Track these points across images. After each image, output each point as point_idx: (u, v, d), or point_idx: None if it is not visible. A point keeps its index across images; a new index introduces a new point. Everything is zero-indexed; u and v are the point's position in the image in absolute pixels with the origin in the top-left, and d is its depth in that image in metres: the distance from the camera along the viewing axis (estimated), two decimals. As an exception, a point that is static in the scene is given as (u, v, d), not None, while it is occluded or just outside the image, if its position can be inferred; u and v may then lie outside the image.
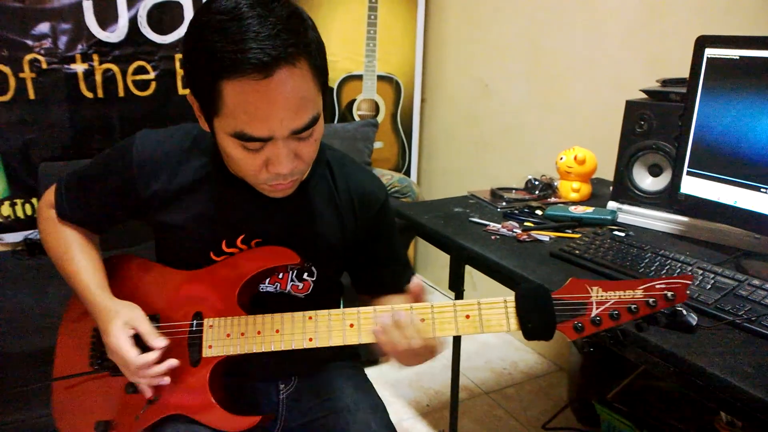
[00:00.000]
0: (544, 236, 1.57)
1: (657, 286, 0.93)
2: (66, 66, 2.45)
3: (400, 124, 3.32)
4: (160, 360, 1.08)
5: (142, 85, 2.62)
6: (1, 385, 1.91)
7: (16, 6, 2.34)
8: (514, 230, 1.60)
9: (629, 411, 1.86)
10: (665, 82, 1.69)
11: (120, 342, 1.07)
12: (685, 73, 1.46)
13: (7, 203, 2.50)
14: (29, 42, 2.38)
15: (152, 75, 2.63)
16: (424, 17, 3.21)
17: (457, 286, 1.66)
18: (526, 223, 1.66)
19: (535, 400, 2.50)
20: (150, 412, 1.13)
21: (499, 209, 1.79)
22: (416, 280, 1.04)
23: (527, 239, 1.55)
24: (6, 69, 2.35)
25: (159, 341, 1.09)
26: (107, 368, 1.18)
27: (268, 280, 1.20)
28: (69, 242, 1.21)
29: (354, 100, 3.18)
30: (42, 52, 2.40)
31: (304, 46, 0.92)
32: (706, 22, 1.93)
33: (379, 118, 3.23)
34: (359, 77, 3.16)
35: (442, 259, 1.61)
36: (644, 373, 1.97)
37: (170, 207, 1.15)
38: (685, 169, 1.46)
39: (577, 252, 1.41)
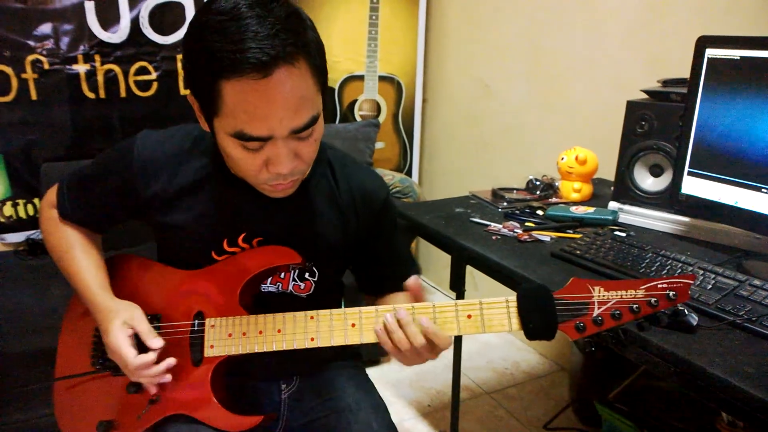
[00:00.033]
0: (545, 236, 1.57)
1: (659, 286, 0.93)
2: (68, 66, 2.46)
3: (401, 125, 3.32)
4: (159, 360, 1.08)
5: (144, 85, 2.62)
6: (3, 385, 1.92)
7: (18, 7, 2.34)
8: (515, 230, 1.60)
9: (630, 411, 1.86)
10: (666, 83, 1.70)
11: (119, 341, 1.07)
12: (685, 73, 1.46)
13: (9, 203, 2.51)
14: (31, 43, 2.38)
15: (154, 75, 2.63)
16: (425, 17, 3.21)
17: (458, 287, 1.66)
18: (527, 224, 1.66)
19: (537, 400, 2.50)
20: (152, 411, 1.13)
21: (500, 209, 1.79)
22: (413, 278, 1.04)
23: (528, 239, 1.55)
24: (8, 69, 2.36)
25: (156, 341, 1.09)
26: (109, 368, 1.18)
27: (269, 280, 1.20)
28: (70, 242, 1.21)
29: (355, 101, 3.18)
30: (44, 52, 2.41)
31: (303, 45, 0.92)
32: (706, 22, 1.93)
33: (381, 119, 3.24)
34: (361, 77, 3.16)
35: (444, 260, 1.61)
36: (645, 373, 1.97)
37: (171, 207, 1.15)
38: (686, 169, 1.46)
39: (578, 252, 1.41)
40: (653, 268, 1.29)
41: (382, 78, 3.20)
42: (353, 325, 1.06)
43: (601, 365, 2.09)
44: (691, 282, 0.94)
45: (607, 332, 0.98)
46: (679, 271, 1.27)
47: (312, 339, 1.07)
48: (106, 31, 2.49)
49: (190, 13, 2.61)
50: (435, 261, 3.51)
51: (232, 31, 0.89)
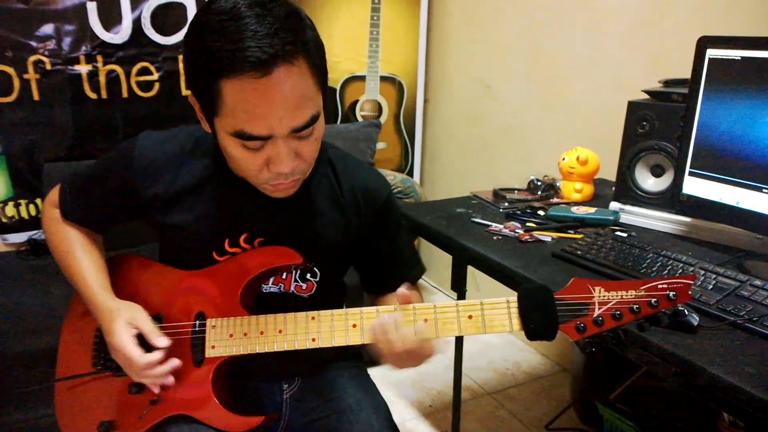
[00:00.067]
0: (546, 237, 1.57)
1: (659, 286, 0.93)
2: (70, 67, 2.46)
3: (402, 125, 3.32)
4: (164, 359, 1.09)
5: (146, 86, 2.63)
6: (3, 385, 1.92)
7: (21, 7, 2.35)
8: (517, 231, 1.60)
9: (632, 411, 1.86)
10: (667, 83, 1.70)
11: (123, 341, 1.08)
12: (685, 73, 1.46)
13: (11, 204, 2.51)
14: (33, 43, 2.39)
15: (156, 76, 2.64)
16: (426, 18, 3.21)
17: (459, 287, 1.66)
18: (528, 224, 1.66)
19: (538, 401, 2.50)
20: (153, 412, 1.13)
21: (501, 210, 1.79)
22: (402, 289, 1.03)
23: (529, 240, 1.55)
24: (10, 70, 2.36)
25: (162, 340, 1.09)
26: (110, 368, 1.18)
27: (271, 281, 1.20)
28: (72, 242, 1.22)
29: (357, 101, 3.19)
30: (46, 53, 2.41)
31: (302, 44, 0.93)
32: (706, 22, 1.93)
33: (382, 119, 3.24)
34: (362, 78, 3.16)
35: (445, 260, 1.62)
36: (647, 373, 1.96)
37: (172, 208, 1.15)
38: (687, 169, 1.46)
39: (579, 252, 1.41)
40: (654, 269, 1.30)
41: (383, 78, 3.20)
42: (354, 325, 1.06)
43: (602, 366, 2.09)
44: (691, 282, 0.94)
45: (608, 332, 0.98)
46: (681, 271, 1.27)
47: (313, 339, 1.08)
48: (108, 32, 2.49)
49: (191, 13, 2.62)
50: (436, 261, 3.50)
51: (231, 31, 0.89)
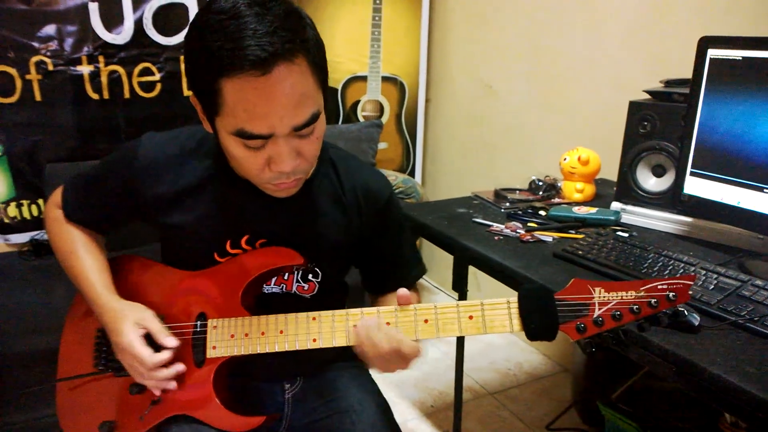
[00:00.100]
0: (548, 237, 1.57)
1: (659, 287, 0.94)
2: (72, 68, 2.46)
3: (404, 125, 3.32)
4: (171, 360, 1.09)
5: (148, 86, 2.63)
6: (5, 385, 1.93)
7: (23, 8, 2.35)
8: (518, 231, 1.60)
9: (633, 412, 1.85)
10: (668, 83, 1.70)
11: (132, 341, 1.08)
12: (685, 73, 1.46)
13: (13, 204, 2.51)
14: (35, 44, 2.39)
15: (157, 76, 2.64)
16: (428, 18, 3.21)
17: (460, 287, 1.66)
18: (529, 224, 1.66)
19: (539, 401, 2.50)
20: (154, 412, 1.14)
21: (502, 210, 1.79)
22: (402, 290, 1.04)
23: (530, 240, 1.55)
24: (12, 71, 2.37)
25: (171, 340, 1.10)
26: (111, 369, 1.18)
27: (273, 281, 1.20)
28: (75, 243, 1.22)
29: (358, 101, 3.19)
30: (48, 54, 2.41)
31: (302, 42, 0.93)
32: (706, 22, 1.93)
33: (384, 119, 3.24)
34: (364, 78, 3.16)
35: (446, 260, 1.62)
36: (648, 373, 1.96)
37: (175, 208, 1.16)
38: (689, 169, 1.46)
39: (580, 252, 1.41)
40: (655, 269, 1.30)
41: (385, 78, 3.20)
42: (355, 326, 1.06)
43: (603, 366, 2.09)
44: (691, 283, 0.94)
45: (608, 333, 0.98)
46: (682, 271, 1.27)
47: (314, 340, 1.08)
48: (109, 33, 2.50)
49: (193, 14, 2.61)
50: (438, 261, 3.50)
51: (231, 30, 0.89)
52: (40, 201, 2.55)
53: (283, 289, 1.21)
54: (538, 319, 0.98)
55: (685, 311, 1.03)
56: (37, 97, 2.43)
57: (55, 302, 2.08)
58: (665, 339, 1.06)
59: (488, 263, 1.47)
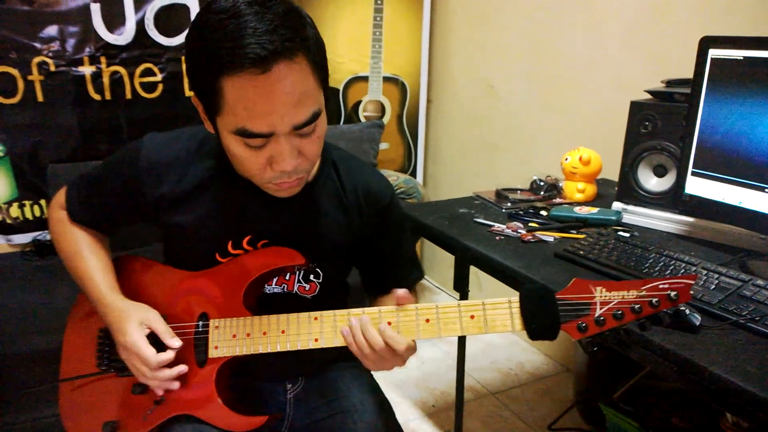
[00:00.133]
0: (549, 237, 1.57)
1: (660, 286, 0.94)
2: (74, 68, 2.47)
3: (405, 126, 3.32)
4: (174, 360, 1.10)
5: (149, 87, 2.63)
6: (8, 385, 1.93)
7: (25, 9, 2.35)
8: (519, 231, 1.60)
9: (634, 411, 1.86)
10: (670, 83, 1.70)
11: (136, 340, 1.08)
12: (685, 72, 1.46)
13: (15, 205, 2.52)
14: (37, 45, 2.39)
15: (159, 77, 2.64)
16: (429, 18, 3.21)
17: (461, 287, 1.66)
18: (530, 224, 1.66)
19: (541, 401, 2.50)
20: (157, 412, 1.14)
21: (504, 210, 1.79)
22: (401, 292, 1.05)
23: (532, 240, 1.55)
24: (14, 71, 2.37)
25: (175, 341, 1.10)
26: (114, 369, 1.19)
27: (275, 281, 1.20)
28: (79, 243, 1.22)
29: (360, 102, 3.19)
30: (50, 54, 2.42)
31: (302, 40, 0.93)
32: (706, 22, 1.93)
33: (385, 120, 3.24)
34: (365, 78, 3.17)
35: (448, 260, 1.62)
36: (650, 373, 1.96)
37: (177, 209, 1.16)
38: (690, 169, 1.46)
39: (581, 252, 1.41)
40: (657, 269, 1.30)
41: (386, 79, 3.20)
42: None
43: (605, 366, 2.09)
44: (692, 282, 0.94)
45: (609, 332, 0.98)
46: (683, 271, 1.28)
47: (316, 340, 1.08)
48: (111, 33, 2.50)
49: (194, 14, 2.60)
50: (439, 261, 3.51)
51: (231, 29, 0.90)
52: (42, 201, 2.56)
53: (285, 290, 1.21)
54: (540, 318, 0.98)
55: (687, 311, 1.03)
56: (39, 97, 2.43)
57: (57, 303, 2.08)
58: (666, 339, 1.06)
59: (489, 263, 1.47)
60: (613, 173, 1.79)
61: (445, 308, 1.03)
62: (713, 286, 1.20)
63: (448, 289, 3.44)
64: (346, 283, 1.36)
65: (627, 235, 1.54)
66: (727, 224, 1.47)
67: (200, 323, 1.14)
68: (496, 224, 1.66)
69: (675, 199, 1.52)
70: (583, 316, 0.96)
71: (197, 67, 0.96)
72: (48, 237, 2.53)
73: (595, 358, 2.10)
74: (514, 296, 1.00)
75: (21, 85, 2.39)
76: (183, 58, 2.62)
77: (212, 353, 1.12)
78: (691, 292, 0.94)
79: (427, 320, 1.03)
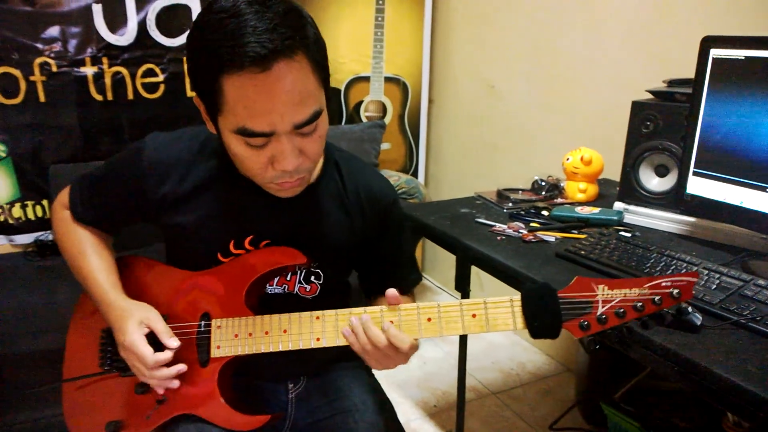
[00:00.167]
0: (550, 237, 1.57)
1: (663, 284, 0.94)
2: (76, 69, 2.47)
3: (407, 126, 3.32)
4: (172, 360, 1.10)
5: (151, 87, 2.64)
6: (11, 385, 1.93)
7: (27, 10, 2.36)
8: (520, 231, 1.60)
9: (636, 412, 1.86)
10: (671, 83, 1.70)
11: (135, 339, 1.08)
12: (686, 72, 1.46)
13: (17, 205, 2.52)
14: (39, 45, 2.40)
15: (161, 77, 2.64)
16: (431, 19, 3.21)
17: (463, 287, 1.66)
18: (532, 224, 1.66)
19: (542, 401, 2.50)
20: (160, 412, 1.14)
21: (505, 210, 1.79)
22: (391, 292, 1.05)
23: (533, 240, 1.56)
24: (16, 72, 2.37)
25: (173, 341, 1.10)
26: (117, 368, 1.19)
27: (276, 281, 1.21)
28: (83, 243, 1.22)
29: (361, 102, 3.19)
30: (52, 55, 2.42)
31: (302, 39, 0.93)
32: (706, 22, 1.93)
33: (387, 120, 3.24)
34: (366, 79, 3.17)
35: (449, 260, 1.62)
36: (651, 373, 1.97)
37: (179, 209, 1.16)
38: (691, 169, 1.46)
39: (582, 252, 1.41)
40: (658, 268, 1.30)
41: (387, 79, 3.21)
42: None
43: (606, 366, 2.09)
44: (695, 280, 0.94)
45: (612, 330, 0.98)
46: (684, 270, 1.28)
47: (318, 339, 1.08)
48: (113, 34, 2.50)
49: (196, 15, 2.62)
50: (440, 261, 3.51)
51: (231, 28, 0.90)
52: (45, 202, 2.56)
53: (286, 290, 1.21)
54: (542, 316, 0.98)
55: (689, 309, 1.03)
56: (41, 98, 2.44)
57: (60, 303, 2.09)
58: (667, 338, 1.06)
59: (491, 263, 1.48)
60: (614, 173, 1.79)
61: (446, 307, 1.03)
62: (714, 286, 1.20)
63: (449, 289, 3.44)
64: (348, 283, 1.36)
65: (628, 235, 1.54)
66: (728, 224, 1.47)
67: (202, 323, 1.14)
68: (498, 224, 1.66)
69: (676, 199, 1.52)
70: (585, 315, 0.96)
71: (198, 67, 0.96)
72: (50, 237, 2.53)
73: (597, 358, 2.10)
74: (516, 295, 1.01)
75: (23, 85, 2.39)
76: (184, 58, 2.64)
77: (214, 353, 1.12)
78: (693, 291, 0.94)
79: (429, 319, 1.03)
